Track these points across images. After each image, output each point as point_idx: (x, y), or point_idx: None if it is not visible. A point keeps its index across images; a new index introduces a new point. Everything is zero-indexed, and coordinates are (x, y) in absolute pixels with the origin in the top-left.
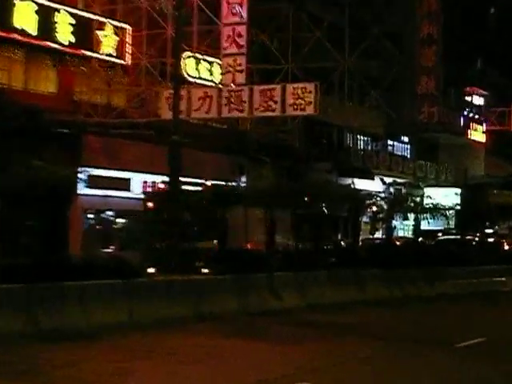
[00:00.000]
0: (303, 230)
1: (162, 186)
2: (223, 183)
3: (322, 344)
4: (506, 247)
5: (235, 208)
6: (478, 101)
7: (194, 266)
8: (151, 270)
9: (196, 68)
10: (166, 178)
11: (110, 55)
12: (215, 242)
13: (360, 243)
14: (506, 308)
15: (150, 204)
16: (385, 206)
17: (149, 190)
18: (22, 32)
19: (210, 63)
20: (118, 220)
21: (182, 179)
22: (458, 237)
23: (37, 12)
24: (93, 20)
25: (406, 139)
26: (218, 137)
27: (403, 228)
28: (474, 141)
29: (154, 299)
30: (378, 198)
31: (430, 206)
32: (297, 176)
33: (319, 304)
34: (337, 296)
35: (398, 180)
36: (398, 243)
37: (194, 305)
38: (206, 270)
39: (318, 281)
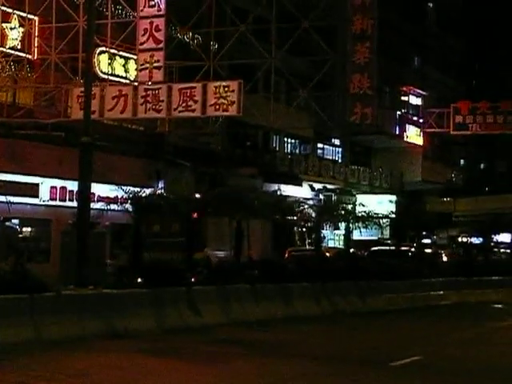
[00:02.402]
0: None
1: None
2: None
3: (243, 364)
4: (445, 258)
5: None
6: (416, 101)
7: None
8: (140, 280)
9: (110, 64)
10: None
11: (15, 49)
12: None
13: (286, 254)
14: (443, 324)
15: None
16: (313, 215)
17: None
18: None
19: (126, 59)
20: (25, 229)
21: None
22: (393, 247)
23: None
24: None
25: (337, 142)
26: (134, 139)
27: (334, 238)
28: (410, 144)
29: (63, 315)
30: (306, 206)
31: (363, 214)
32: (219, 182)
33: (243, 320)
34: (262, 312)
35: (329, 186)
36: (328, 254)
37: (107, 321)
38: None
39: (241, 296)
